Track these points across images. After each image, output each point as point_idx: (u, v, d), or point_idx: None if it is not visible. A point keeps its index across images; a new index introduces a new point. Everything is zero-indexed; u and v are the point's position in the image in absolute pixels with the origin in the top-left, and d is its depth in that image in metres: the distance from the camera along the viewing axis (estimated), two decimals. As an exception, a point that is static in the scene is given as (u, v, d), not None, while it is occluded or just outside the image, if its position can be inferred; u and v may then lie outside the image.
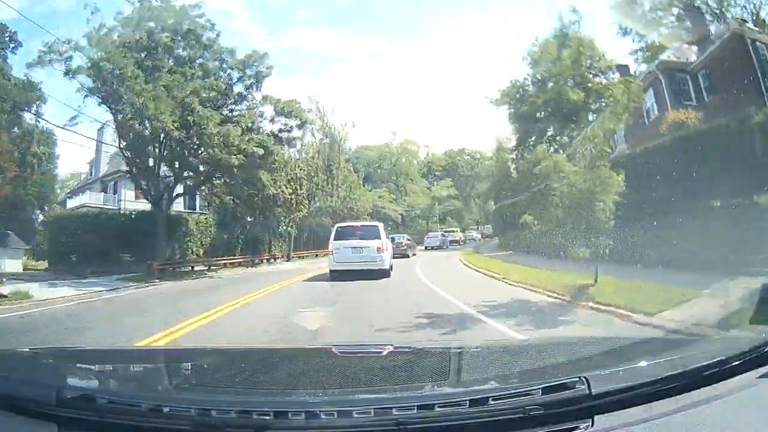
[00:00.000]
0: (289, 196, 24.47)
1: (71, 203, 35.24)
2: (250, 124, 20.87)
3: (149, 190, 21.51)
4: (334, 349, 2.57)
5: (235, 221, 27.75)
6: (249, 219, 27.56)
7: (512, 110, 30.83)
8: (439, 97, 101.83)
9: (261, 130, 22.05)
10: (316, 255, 31.59)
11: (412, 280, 14.05)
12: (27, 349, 3.74)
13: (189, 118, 18.41)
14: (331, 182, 40.55)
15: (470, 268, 17.93)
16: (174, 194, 22.58)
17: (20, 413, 1.35)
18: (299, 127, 23.82)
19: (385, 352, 2.26)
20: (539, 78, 25.38)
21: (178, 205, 27.15)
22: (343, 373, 1.98)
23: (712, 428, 1.17)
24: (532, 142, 32.10)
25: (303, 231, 34.62)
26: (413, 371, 1.94)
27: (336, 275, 13.67)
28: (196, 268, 22.70)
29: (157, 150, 20.83)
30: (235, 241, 28.04)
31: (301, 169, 27.38)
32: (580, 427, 1.21)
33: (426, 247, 38.03)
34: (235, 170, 20.05)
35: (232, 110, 21.81)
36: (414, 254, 27.86)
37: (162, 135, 19.32)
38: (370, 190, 48.74)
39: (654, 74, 20.21)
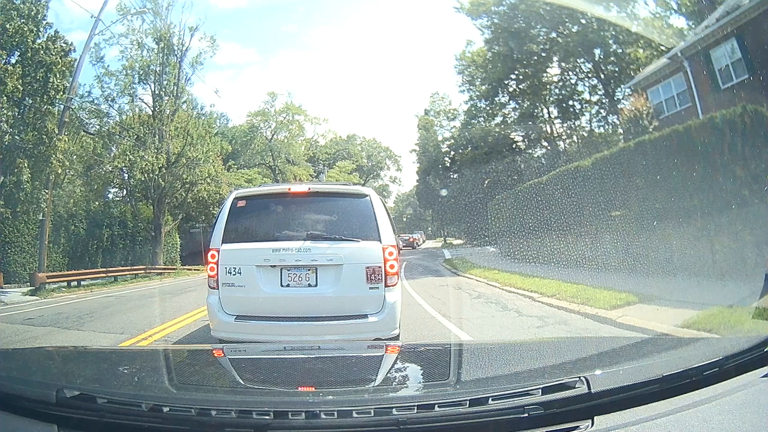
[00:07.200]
0: None
1: None
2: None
3: None
4: (334, 350, 2.56)
5: None
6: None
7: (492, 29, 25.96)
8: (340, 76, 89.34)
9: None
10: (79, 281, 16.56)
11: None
12: (27, 349, 3.74)
13: None
14: (156, 126, 23.27)
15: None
16: None
17: (20, 413, 1.35)
18: None
19: (384, 352, 2.25)
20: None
21: None
22: (343, 373, 1.97)
23: (712, 429, 1.17)
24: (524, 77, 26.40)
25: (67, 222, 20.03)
26: (413, 371, 1.94)
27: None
28: None
29: None
30: None
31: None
32: (581, 427, 1.20)
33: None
34: None
35: None
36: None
37: None
38: (228, 168, 33.35)
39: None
